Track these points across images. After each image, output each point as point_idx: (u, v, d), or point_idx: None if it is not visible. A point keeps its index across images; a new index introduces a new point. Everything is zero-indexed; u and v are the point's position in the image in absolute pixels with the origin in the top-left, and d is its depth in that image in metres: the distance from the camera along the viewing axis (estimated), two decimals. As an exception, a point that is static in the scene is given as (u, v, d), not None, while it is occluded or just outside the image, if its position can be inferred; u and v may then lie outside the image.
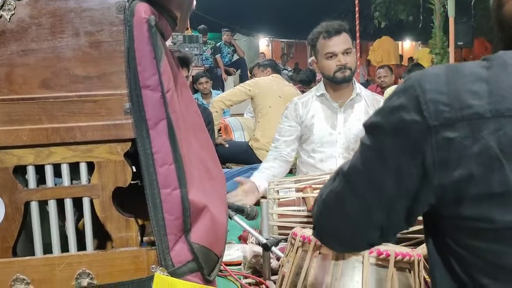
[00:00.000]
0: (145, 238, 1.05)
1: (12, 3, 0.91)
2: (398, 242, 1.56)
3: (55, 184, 0.98)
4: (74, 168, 0.98)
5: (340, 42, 2.23)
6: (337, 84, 2.28)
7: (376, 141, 0.70)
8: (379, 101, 2.36)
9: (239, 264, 1.65)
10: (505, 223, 0.62)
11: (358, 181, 0.73)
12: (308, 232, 1.24)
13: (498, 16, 0.73)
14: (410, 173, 0.66)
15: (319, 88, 2.40)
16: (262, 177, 2.26)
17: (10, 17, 0.91)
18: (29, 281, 0.94)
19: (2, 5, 0.90)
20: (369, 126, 0.72)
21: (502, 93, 0.61)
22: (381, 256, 1.12)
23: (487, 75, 0.63)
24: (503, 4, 0.72)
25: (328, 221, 0.82)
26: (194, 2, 1.18)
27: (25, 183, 0.97)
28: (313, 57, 2.44)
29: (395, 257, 1.12)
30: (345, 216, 0.77)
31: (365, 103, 2.34)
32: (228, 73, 8.51)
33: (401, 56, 12.64)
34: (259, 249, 1.50)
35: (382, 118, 0.69)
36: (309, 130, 2.35)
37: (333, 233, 0.83)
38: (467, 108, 0.62)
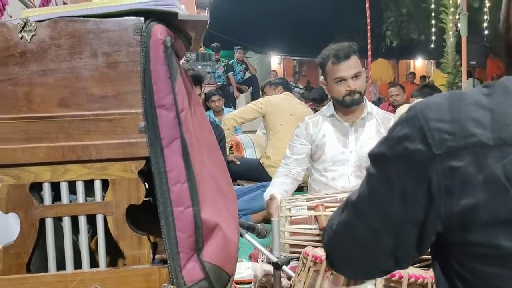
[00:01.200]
0: (157, 256, 1.05)
1: (33, 25, 0.93)
2: (411, 263, 1.54)
3: (70, 201, 0.99)
4: (88, 186, 0.99)
5: (349, 67, 2.22)
6: (347, 107, 2.29)
7: (381, 170, 0.70)
8: (390, 119, 2.36)
9: (250, 283, 1.64)
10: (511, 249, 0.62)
11: (366, 209, 0.74)
12: (320, 251, 1.24)
13: (507, 40, 0.74)
14: (416, 199, 0.66)
15: (328, 108, 2.40)
16: (277, 190, 2.25)
17: (31, 38, 0.93)
18: (42, 297, 0.95)
19: (23, 27, 0.93)
20: (374, 156, 0.72)
21: (505, 121, 0.62)
22: (393, 278, 1.11)
23: (489, 103, 0.63)
24: (510, 27, 0.73)
25: (340, 251, 0.83)
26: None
27: (41, 199, 0.98)
28: (322, 79, 2.43)
29: (408, 279, 1.11)
30: (357, 245, 0.77)
31: (376, 122, 2.34)
32: (240, 91, 8.56)
33: (413, 74, 12.68)
34: (270, 268, 1.50)
35: (387, 149, 0.69)
36: (320, 149, 2.35)
37: (346, 262, 0.83)
38: (471, 136, 0.62)
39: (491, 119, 0.62)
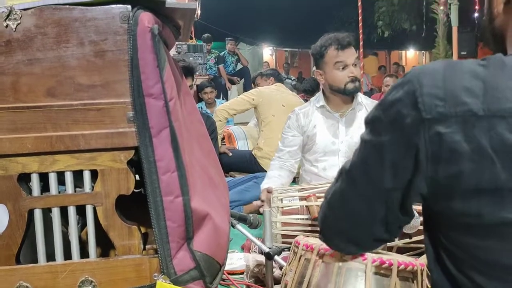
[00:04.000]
0: (147, 246, 1.05)
1: (18, 13, 0.92)
2: (402, 252, 1.55)
3: (59, 192, 0.98)
4: (77, 176, 0.98)
5: (351, 54, 2.23)
6: (346, 95, 2.27)
7: (374, 135, 0.72)
8: None
9: (242, 273, 1.64)
10: (494, 219, 0.63)
11: (358, 176, 0.76)
12: (311, 240, 1.24)
13: (491, 30, 0.77)
14: (405, 167, 0.68)
15: (318, 99, 2.39)
16: (273, 183, 2.25)
17: (16, 26, 0.92)
18: (32, 288, 0.94)
19: (8, 15, 0.91)
20: (369, 120, 0.74)
21: (497, 94, 0.63)
22: (384, 265, 1.12)
23: (483, 74, 0.64)
24: (493, 18, 0.76)
25: (334, 220, 0.84)
26: (198, 11, 1.20)
27: (29, 190, 0.98)
28: (316, 70, 2.37)
29: (398, 266, 1.12)
30: (349, 212, 0.80)
31: (366, 111, 2.35)
32: (232, 82, 8.53)
33: (397, 64, 12.81)
34: (262, 258, 1.50)
35: (381, 112, 0.71)
36: (311, 140, 2.36)
37: (339, 232, 0.85)
38: (461, 104, 0.63)
39: (483, 89, 0.63)
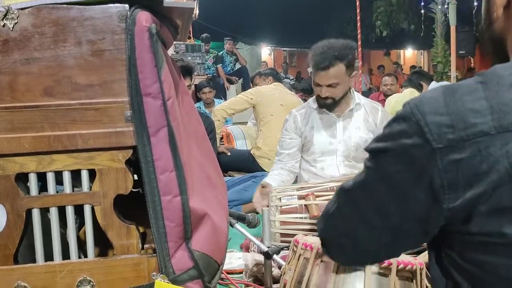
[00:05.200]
0: (146, 246, 1.05)
1: (15, 12, 0.91)
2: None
3: (57, 192, 0.98)
4: (75, 176, 0.98)
5: (326, 78, 2.22)
6: (320, 107, 2.35)
7: (379, 165, 0.69)
8: (377, 109, 2.40)
9: (241, 273, 1.65)
10: None
11: (362, 202, 0.73)
12: (310, 239, 1.24)
13: (490, 35, 0.75)
14: (417, 195, 0.65)
15: (315, 100, 2.41)
16: (272, 180, 2.27)
17: (13, 26, 0.92)
18: (30, 288, 0.94)
19: (5, 14, 0.91)
20: (371, 151, 0.71)
21: (504, 109, 0.61)
22: (383, 265, 1.12)
23: (484, 92, 0.63)
24: (493, 21, 0.74)
25: (335, 238, 0.82)
26: (196, 11, 1.20)
27: (27, 190, 0.97)
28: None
29: (397, 266, 1.12)
30: (353, 239, 0.77)
31: (364, 111, 2.37)
32: (230, 82, 8.53)
33: (397, 64, 12.88)
34: (261, 258, 1.50)
35: (384, 144, 0.68)
36: (309, 141, 2.38)
37: (340, 249, 0.83)
38: (471, 127, 0.61)
39: (489, 107, 0.61)
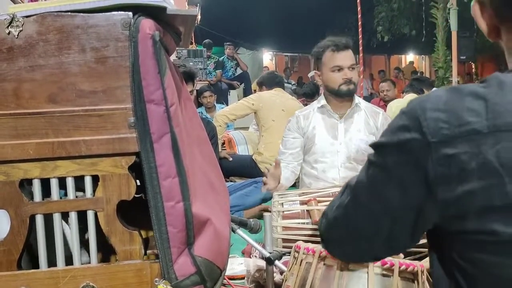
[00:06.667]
0: (148, 251, 1.05)
1: (20, 20, 0.92)
2: (403, 256, 1.55)
3: (60, 197, 0.99)
4: (79, 182, 0.99)
5: (347, 57, 2.29)
6: (341, 97, 2.33)
7: (381, 157, 0.73)
8: (378, 113, 2.43)
9: (243, 278, 1.65)
10: (508, 235, 0.63)
11: (365, 194, 0.76)
12: (312, 244, 1.24)
13: (496, 43, 0.76)
14: (414, 185, 0.68)
15: (320, 100, 2.46)
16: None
17: (18, 33, 0.93)
18: (33, 294, 0.95)
19: (11, 22, 0.92)
20: (374, 146, 0.75)
21: (499, 109, 0.64)
22: (385, 266, 1.13)
23: (484, 93, 0.66)
24: (490, 33, 0.76)
25: (337, 234, 0.85)
26: (198, 17, 1.21)
27: (31, 196, 0.98)
28: (315, 70, 2.47)
29: (399, 267, 1.13)
30: (353, 229, 0.80)
31: (365, 114, 2.40)
32: (232, 87, 8.54)
33: (398, 69, 12.89)
34: (263, 263, 1.50)
35: (386, 138, 0.72)
36: (311, 141, 2.39)
37: (341, 245, 0.86)
38: (465, 125, 0.64)
39: (486, 107, 0.64)
